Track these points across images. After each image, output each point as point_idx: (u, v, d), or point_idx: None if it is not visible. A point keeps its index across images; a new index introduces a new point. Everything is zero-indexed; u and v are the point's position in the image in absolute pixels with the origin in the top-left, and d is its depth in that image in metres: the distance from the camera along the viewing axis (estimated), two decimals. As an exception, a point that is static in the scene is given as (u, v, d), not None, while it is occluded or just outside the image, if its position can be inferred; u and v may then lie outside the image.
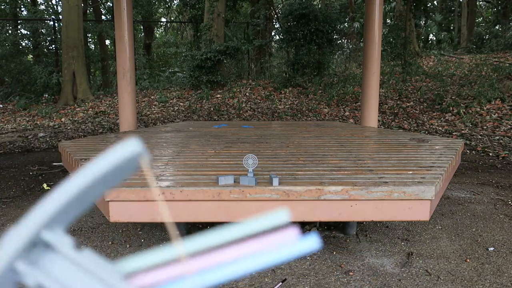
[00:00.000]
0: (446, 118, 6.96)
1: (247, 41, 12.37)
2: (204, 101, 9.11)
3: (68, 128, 7.43)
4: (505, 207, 3.23)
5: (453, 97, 7.78)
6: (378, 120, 6.12)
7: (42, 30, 12.42)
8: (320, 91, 9.22)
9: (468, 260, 2.32)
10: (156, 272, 0.23)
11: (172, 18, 21.86)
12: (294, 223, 0.24)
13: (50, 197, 0.23)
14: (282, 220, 0.23)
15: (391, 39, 10.84)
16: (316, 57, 9.86)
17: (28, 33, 12.70)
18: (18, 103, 9.60)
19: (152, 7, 16.90)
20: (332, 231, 2.72)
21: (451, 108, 7.20)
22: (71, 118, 8.21)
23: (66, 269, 0.23)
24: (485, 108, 7.06)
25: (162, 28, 22.54)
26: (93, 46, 16.10)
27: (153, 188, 0.25)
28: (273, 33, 14.27)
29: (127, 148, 0.22)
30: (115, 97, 9.45)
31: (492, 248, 2.48)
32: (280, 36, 11.14)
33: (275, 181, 1.98)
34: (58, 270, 0.23)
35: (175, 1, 19.53)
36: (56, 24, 12.09)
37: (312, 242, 0.22)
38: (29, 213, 0.23)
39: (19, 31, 13.39)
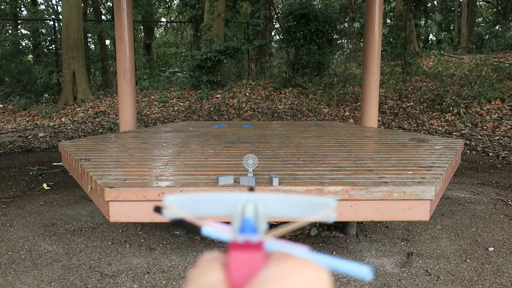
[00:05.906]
0: (446, 118, 6.96)
1: (247, 41, 12.38)
2: (204, 101, 9.10)
3: (68, 128, 7.43)
4: (505, 207, 3.23)
5: (453, 97, 7.77)
6: (378, 120, 6.12)
7: (42, 30, 12.41)
8: (320, 91, 9.22)
9: (468, 260, 2.32)
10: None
11: (172, 18, 21.85)
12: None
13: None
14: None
15: (391, 39, 10.83)
16: (316, 57, 9.86)
17: (28, 33, 12.70)
18: (18, 103, 9.61)
19: (152, 7, 16.90)
20: (332, 231, 2.72)
21: (451, 108, 7.20)
22: (71, 118, 8.22)
23: None
24: (485, 108, 7.06)
25: (162, 28, 22.53)
26: (93, 46, 16.08)
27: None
28: (273, 33, 14.27)
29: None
30: (115, 97, 9.45)
31: (492, 248, 2.48)
32: (280, 36, 11.13)
33: (275, 181, 1.98)
34: None
35: (175, 1, 19.52)
36: (56, 24, 12.09)
37: (363, 271, 0.21)
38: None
39: (19, 31, 13.38)
